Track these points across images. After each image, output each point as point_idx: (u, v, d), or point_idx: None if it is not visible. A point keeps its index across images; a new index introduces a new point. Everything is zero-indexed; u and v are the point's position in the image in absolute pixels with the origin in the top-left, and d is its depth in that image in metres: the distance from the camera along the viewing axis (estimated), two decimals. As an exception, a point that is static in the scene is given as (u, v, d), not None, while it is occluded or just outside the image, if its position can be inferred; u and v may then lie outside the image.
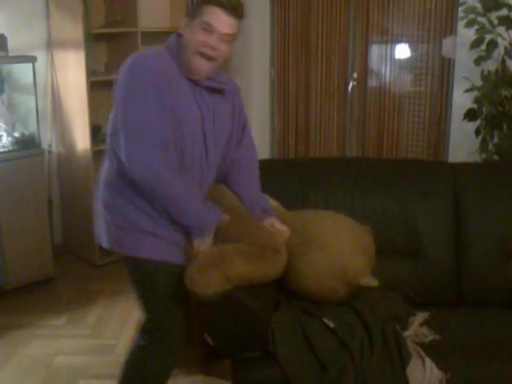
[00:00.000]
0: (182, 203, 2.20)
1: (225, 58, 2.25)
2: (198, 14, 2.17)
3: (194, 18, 2.18)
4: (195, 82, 2.25)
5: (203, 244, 2.26)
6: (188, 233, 2.27)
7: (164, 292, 2.31)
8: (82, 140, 4.33)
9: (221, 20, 2.15)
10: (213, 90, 2.32)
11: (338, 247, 2.47)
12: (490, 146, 3.52)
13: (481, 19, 3.47)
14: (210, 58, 2.19)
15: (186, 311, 2.37)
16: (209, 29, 2.15)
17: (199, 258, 2.23)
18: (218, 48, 2.18)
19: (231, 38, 2.20)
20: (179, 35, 2.25)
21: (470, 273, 2.78)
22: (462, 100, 3.82)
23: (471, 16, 3.48)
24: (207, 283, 2.19)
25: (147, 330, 2.36)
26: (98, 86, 4.41)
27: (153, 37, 4.62)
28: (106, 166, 2.31)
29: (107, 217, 2.28)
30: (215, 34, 2.16)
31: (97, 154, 4.26)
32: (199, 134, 2.26)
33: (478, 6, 3.49)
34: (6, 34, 3.98)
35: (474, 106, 3.57)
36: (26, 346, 3.38)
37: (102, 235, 2.33)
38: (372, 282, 2.47)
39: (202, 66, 2.20)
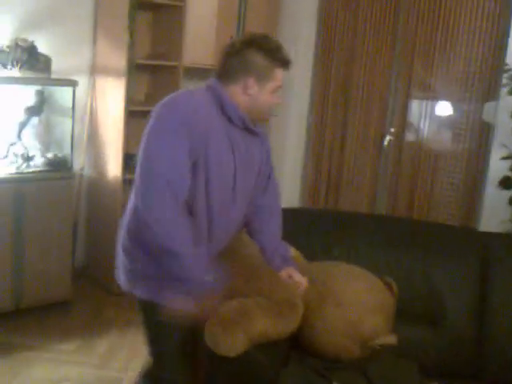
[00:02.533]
0: (184, 269, 2.12)
1: None
2: (270, 78, 2.21)
3: (266, 81, 2.21)
4: (231, 125, 2.23)
5: (205, 307, 2.18)
6: None
7: (174, 340, 2.27)
8: (113, 167, 4.36)
9: (280, 78, 2.24)
10: (246, 133, 2.30)
11: (356, 305, 2.41)
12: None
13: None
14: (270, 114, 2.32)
15: (193, 361, 2.33)
16: (275, 90, 2.23)
17: (219, 314, 2.16)
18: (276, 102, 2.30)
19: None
20: (223, 83, 2.23)
21: (491, 347, 2.68)
22: (498, 166, 3.77)
23: (515, 83, 3.45)
24: (231, 344, 2.12)
25: (151, 376, 2.33)
26: (135, 116, 4.45)
27: (195, 72, 4.66)
28: (129, 207, 2.27)
29: (124, 259, 2.27)
30: (277, 91, 2.25)
31: (127, 182, 4.26)
32: (229, 177, 2.23)
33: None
34: (51, 57, 4.04)
35: (510, 173, 3.51)
36: (31, 369, 3.35)
37: (119, 275, 2.32)
38: (390, 340, 2.39)
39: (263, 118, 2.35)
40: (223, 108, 2.20)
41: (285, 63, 2.21)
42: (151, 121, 2.14)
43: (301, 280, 2.44)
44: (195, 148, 2.09)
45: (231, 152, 2.22)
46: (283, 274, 2.45)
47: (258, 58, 2.17)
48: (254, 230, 2.52)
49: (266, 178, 2.50)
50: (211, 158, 2.14)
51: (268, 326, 2.21)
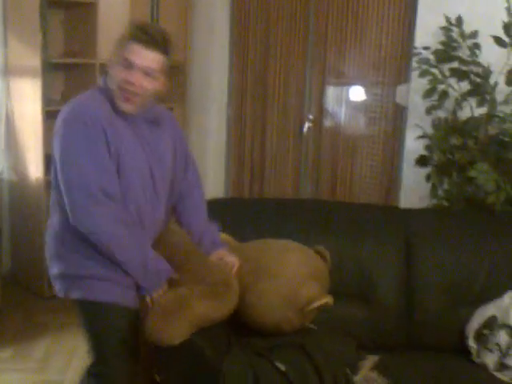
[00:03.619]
0: (130, 262, 2.22)
1: (154, 93, 2.25)
2: (118, 52, 2.19)
3: (116, 55, 2.20)
4: (131, 118, 2.25)
5: (154, 300, 2.26)
6: None
7: (114, 335, 2.30)
8: (34, 169, 4.29)
9: (141, 55, 2.16)
10: (150, 123, 2.33)
11: (290, 276, 2.45)
12: (440, 192, 3.62)
13: (433, 70, 3.60)
14: (134, 94, 2.19)
15: (134, 355, 2.37)
16: (129, 65, 2.16)
17: (157, 308, 2.21)
18: (139, 84, 2.18)
19: (156, 73, 2.20)
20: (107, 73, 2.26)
21: (420, 318, 2.83)
22: (414, 146, 3.93)
23: (424, 66, 3.61)
24: (173, 334, 2.16)
25: (94, 374, 2.35)
26: (53, 116, 4.35)
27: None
28: (52, 220, 2.31)
29: (56, 266, 2.30)
30: (136, 69, 2.16)
31: (49, 184, 4.19)
32: (147, 173, 2.28)
33: (431, 57, 3.62)
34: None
35: (426, 152, 3.68)
36: (-32, 380, 3.30)
37: (55, 284, 2.34)
38: (325, 299, 2.44)
39: (127, 102, 2.20)
40: (115, 104, 2.22)
41: (139, 38, 2.15)
42: (58, 141, 2.15)
43: (232, 260, 2.50)
44: (112, 150, 2.15)
45: (142, 149, 2.26)
46: (214, 256, 2.50)
47: (119, 39, 2.21)
48: (179, 215, 2.57)
49: (184, 159, 2.53)
50: (123, 154, 2.19)
51: (207, 309, 2.26)
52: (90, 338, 2.34)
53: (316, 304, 2.44)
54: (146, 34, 2.15)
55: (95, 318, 2.30)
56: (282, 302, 2.43)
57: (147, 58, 2.16)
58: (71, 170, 2.13)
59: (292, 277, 2.46)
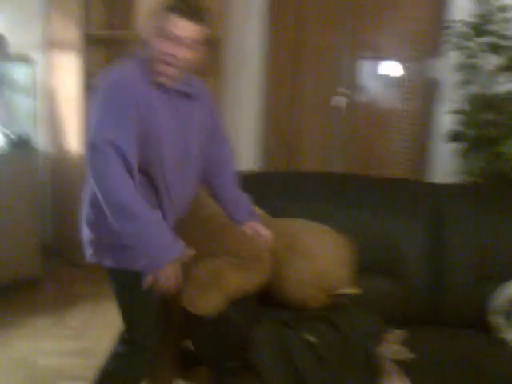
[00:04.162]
0: (140, 235, 2.13)
1: (192, 63, 2.24)
2: (159, 22, 2.17)
3: (157, 26, 2.18)
4: (167, 90, 2.25)
5: (165, 279, 2.19)
6: None
7: (143, 304, 2.35)
8: (75, 142, 4.38)
9: (179, 26, 2.13)
10: (185, 96, 2.33)
11: (322, 256, 2.53)
12: (473, 168, 3.59)
13: (468, 43, 3.56)
14: (173, 65, 2.18)
15: (164, 323, 2.43)
16: (168, 36, 2.15)
17: (194, 278, 2.25)
18: (179, 54, 2.17)
19: (194, 43, 2.19)
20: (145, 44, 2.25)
21: (447, 293, 2.84)
22: (446, 121, 3.90)
23: (458, 40, 3.56)
24: (209, 304, 2.23)
25: (126, 340, 2.41)
26: (94, 89, 4.45)
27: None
28: (88, 186, 2.32)
29: (89, 233, 2.32)
30: (176, 40, 2.15)
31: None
32: (178, 145, 2.29)
33: (467, 30, 3.57)
34: (4, 35, 4.02)
35: (458, 127, 3.65)
36: (9, 346, 3.42)
37: (86, 249, 2.37)
38: (353, 289, 2.53)
39: (167, 72, 2.19)
40: (152, 76, 2.22)
41: (177, 9, 2.13)
42: (94, 106, 2.17)
43: (266, 233, 2.52)
44: (140, 118, 2.14)
45: (175, 122, 2.27)
46: (248, 228, 2.51)
47: (157, 10, 2.19)
48: (212, 188, 2.58)
49: (215, 133, 2.53)
50: (156, 126, 2.19)
51: (241, 280, 2.32)
52: (120, 305, 2.39)
53: (345, 291, 2.53)
54: (184, 4, 2.14)
55: (125, 287, 2.34)
56: (315, 281, 2.50)
57: (187, 28, 2.15)
58: (93, 124, 2.13)
59: (328, 259, 2.53)
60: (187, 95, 2.34)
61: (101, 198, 2.11)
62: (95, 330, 3.66)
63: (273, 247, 2.50)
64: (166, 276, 2.17)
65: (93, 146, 2.09)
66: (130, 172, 2.11)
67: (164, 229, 2.17)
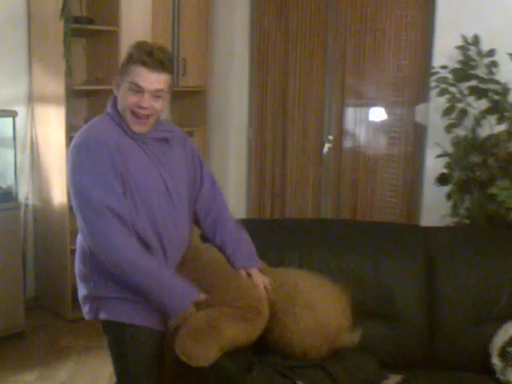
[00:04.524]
0: (152, 288, 2.21)
1: (162, 111, 2.28)
2: (124, 75, 2.20)
3: (122, 78, 2.21)
4: (142, 139, 2.27)
5: (182, 320, 2.25)
6: None
7: (138, 357, 2.31)
8: (58, 194, 4.35)
9: (148, 78, 2.17)
10: (162, 142, 2.34)
11: (324, 306, 2.51)
12: (461, 210, 3.61)
13: (452, 89, 3.62)
14: (140, 116, 2.21)
15: (158, 377, 2.38)
16: (137, 89, 2.18)
17: (188, 327, 2.22)
18: (150, 106, 2.20)
19: (164, 93, 2.23)
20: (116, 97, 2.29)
21: (443, 336, 2.81)
22: (434, 164, 3.93)
23: (443, 86, 3.62)
24: (203, 355, 2.18)
25: None
26: (77, 141, 4.45)
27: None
28: (79, 241, 2.33)
29: (83, 288, 2.32)
30: (145, 93, 2.18)
31: (73, 209, 4.26)
32: (163, 191, 2.29)
33: (450, 76, 3.63)
34: (-13, 88, 4.04)
35: (446, 170, 3.67)
36: (-7, 403, 3.33)
37: (82, 306, 2.36)
38: (353, 339, 2.51)
39: (140, 125, 2.23)
40: (125, 127, 2.25)
41: (144, 62, 2.15)
42: (68, 165, 2.20)
43: (259, 280, 2.48)
44: (119, 173, 2.17)
45: (155, 168, 2.28)
46: (243, 272, 2.49)
47: (123, 63, 2.23)
48: (206, 230, 2.56)
49: (200, 173, 2.53)
50: (139, 180, 2.21)
51: (236, 332, 2.28)
52: (114, 358, 2.36)
53: (346, 341, 2.51)
54: (150, 56, 2.17)
55: (120, 340, 2.31)
56: (316, 331, 2.46)
57: (155, 80, 2.18)
58: (79, 191, 2.17)
59: (328, 309, 2.51)
60: (164, 140, 2.35)
61: (104, 258, 2.17)
62: (83, 383, 3.55)
63: (272, 297, 2.47)
64: (182, 319, 2.23)
65: (95, 210, 2.13)
66: (129, 231, 2.18)
67: (174, 277, 2.26)
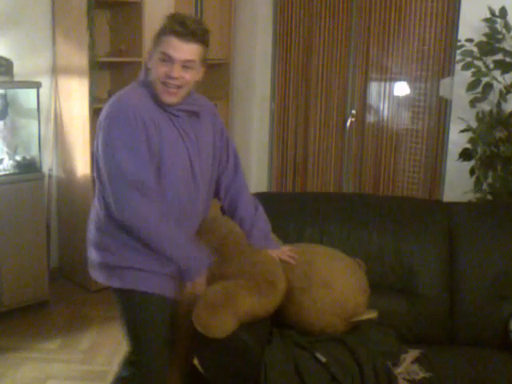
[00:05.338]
0: (169, 250, 2.26)
1: (193, 83, 2.27)
2: (156, 45, 2.20)
3: (154, 49, 2.21)
4: (172, 111, 2.27)
5: (195, 286, 2.31)
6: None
7: (150, 325, 2.34)
8: (82, 166, 4.38)
9: (178, 48, 2.16)
10: (191, 115, 2.34)
11: (341, 285, 2.49)
12: (484, 186, 3.57)
13: (477, 62, 3.56)
14: (172, 86, 2.20)
15: (170, 345, 2.40)
16: (168, 59, 2.17)
17: (205, 299, 2.24)
18: (180, 77, 2.19)
19: (195, 64, 2.22)
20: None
21: (463, 312, 2.81)
22: (457, 139, 3.89)
23: (468, 59, 3.56)
24: (221, 326, 2.21)
25: (131, 362, 2.39)
26: (100, 114, 4.47)
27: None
28: (95, 205, 2.35)
29: (96, 255, 2.34)
30: (175, 63, 2.17)
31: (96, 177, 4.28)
32: (187, 166, 2.30)
33: (475, 49, 3.57)
34: (12, 60, 4.05)
35: (469, 146, 3.63)
36: (17, 370, 3.39)
37: (93, 270, 2.39)
38: (371, 315, 2.50)
39: (170, 95, 2.22)
40: (156, 98, 2.24)
41: (176, 31, 2.15)
42: (101, 135, 2.20)
43: (276, 256, 2.50)
44: (151, 144, 2.19)
45: (182, 142, 2.28)
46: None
47: (155, 33, 2.23)
48: (226, 207, 2.59)
49: (226, 151, 2.54)
50: (165, 151, 2.22)
51: (253, 304, 2.29)
52: (127, 326, 2.38)
53: (363, 317, 2.49)
54: (182, 26, 2.16)
55: (133, 308, 2.33)
56: (334, 309, 2.46)
57: (186, 50, 2.17)
58: (112, 163, 2.17)
59: (343, 286, 2.49)
60: (194, 114, 2.35)
61: (134, 229, 2.20)
62: (104, 352, 3.62)
63: (291, 274, 2.48)
64: (197, 284, 2.30)
65: (129, 183, 2.15)
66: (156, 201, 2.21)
67: (190, 243, 2.33)
